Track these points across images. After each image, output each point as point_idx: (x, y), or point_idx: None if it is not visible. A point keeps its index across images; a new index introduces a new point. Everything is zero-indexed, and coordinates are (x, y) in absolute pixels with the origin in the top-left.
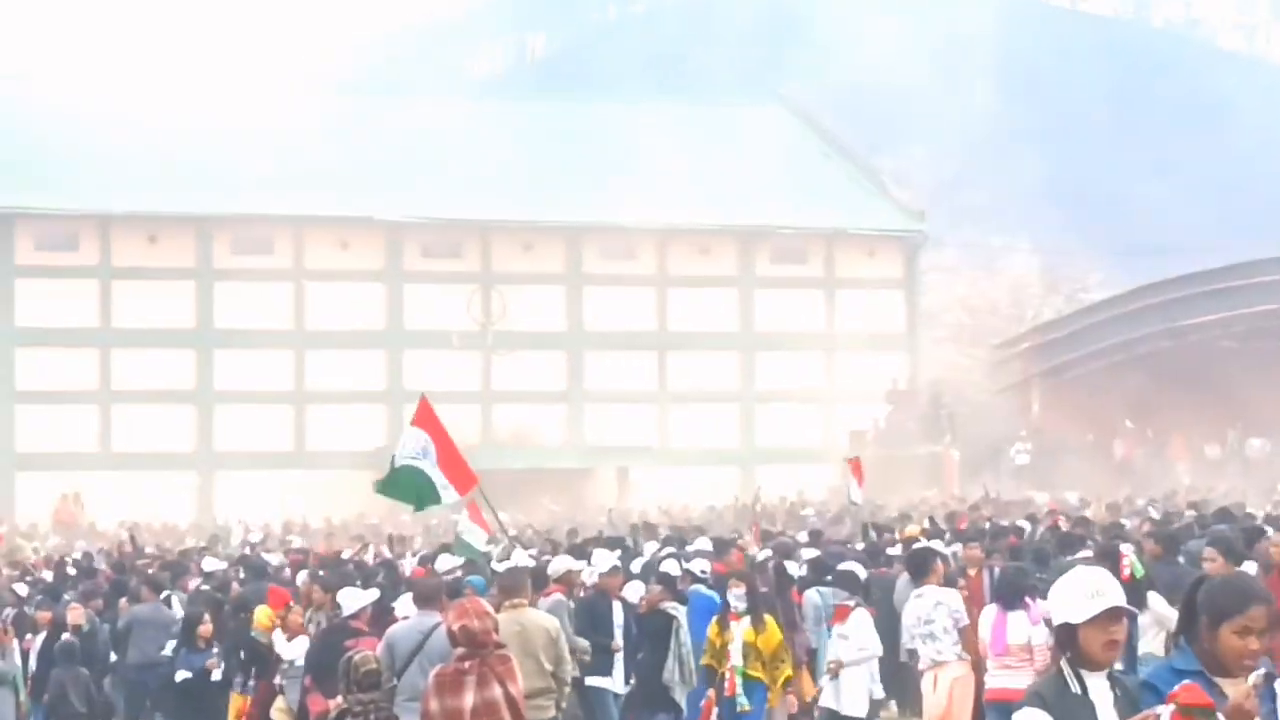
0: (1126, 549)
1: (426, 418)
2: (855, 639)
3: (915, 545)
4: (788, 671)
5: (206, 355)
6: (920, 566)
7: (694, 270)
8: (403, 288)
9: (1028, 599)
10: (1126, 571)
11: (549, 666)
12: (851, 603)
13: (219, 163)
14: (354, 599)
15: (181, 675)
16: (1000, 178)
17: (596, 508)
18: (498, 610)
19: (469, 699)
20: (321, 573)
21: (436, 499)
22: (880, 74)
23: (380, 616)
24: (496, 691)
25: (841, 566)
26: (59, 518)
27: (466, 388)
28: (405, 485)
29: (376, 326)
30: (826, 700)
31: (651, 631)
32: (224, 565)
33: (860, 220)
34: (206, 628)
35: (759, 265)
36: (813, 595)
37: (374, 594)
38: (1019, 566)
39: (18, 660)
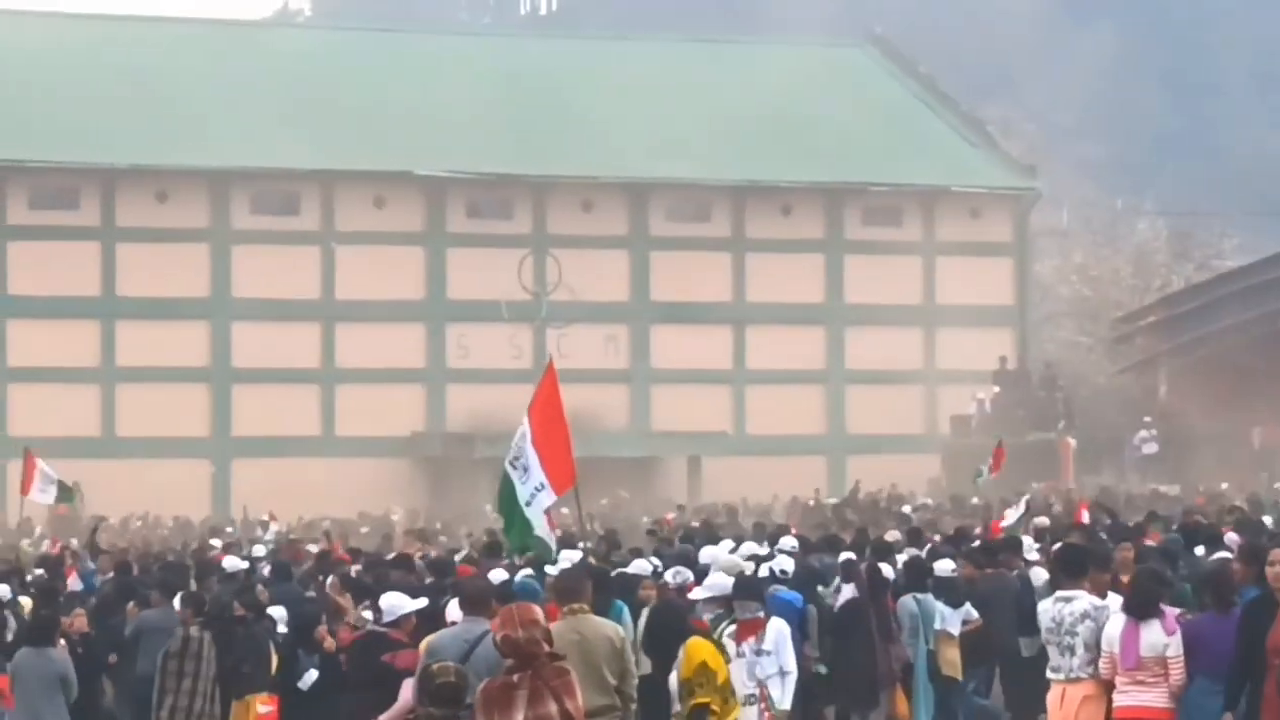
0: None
1: (546, 394)
2: (776, 653)
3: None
4: (699, 699)
5: (222, 328)
6: (1072, 566)
7: (774, 233)
8: (445, 252)
9: (1163, 606)
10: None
11: (613, 680)
12: (762, 614)
13: (236, 111)
14: (397, 605)
15: None
16: (1123, 129)
17: (664, 501)
18: (556, 616)
19: (519, 716)
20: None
21: (531, 537)
22: (986, 10)
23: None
24: (551, 708)
25: (939, 569)
26: (57, 511)
27: (516, 365)
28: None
29: (415, 296)
30: None
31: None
32: (245, 565)
33: (963, 177)
34: None
35: (848, 227)
36: (909, 602)
37: (421, 601)
38: (1153, 570)
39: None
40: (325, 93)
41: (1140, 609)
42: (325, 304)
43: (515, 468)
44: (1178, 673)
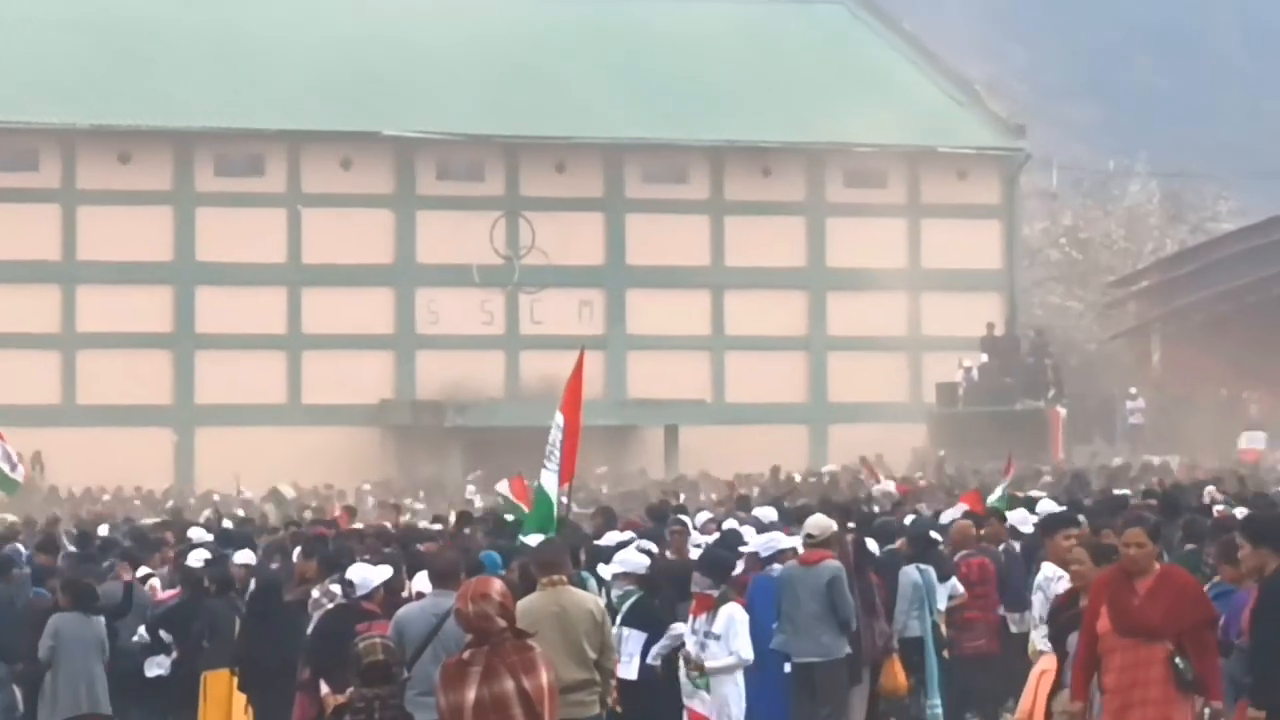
0: None
1: (575, 387)
2: (725, 640)
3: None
4: None
5: (186, 293)
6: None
7: (754, 195)
8: (415, 215)
9: None
10: None
11: (593, 654)
12: (715, 592)
13: (201, 70)
14: (368, 577)
15: (154, 670)
16: (1115, 88)
17: (639, 471)
18: (534, 588)
19: (470, 694)
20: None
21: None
22: None
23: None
24: (508, 685)
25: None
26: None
27: (489, 331)
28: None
29: (384, 260)
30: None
31: None
32: (210, 537)
33: (950, 137)
34: None
35: (830, 189)
36: (911, 573)
37: (386, 571)
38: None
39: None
40: (291, 52)
41: None
42: (291, 268)
43: (548, 467)
44: None
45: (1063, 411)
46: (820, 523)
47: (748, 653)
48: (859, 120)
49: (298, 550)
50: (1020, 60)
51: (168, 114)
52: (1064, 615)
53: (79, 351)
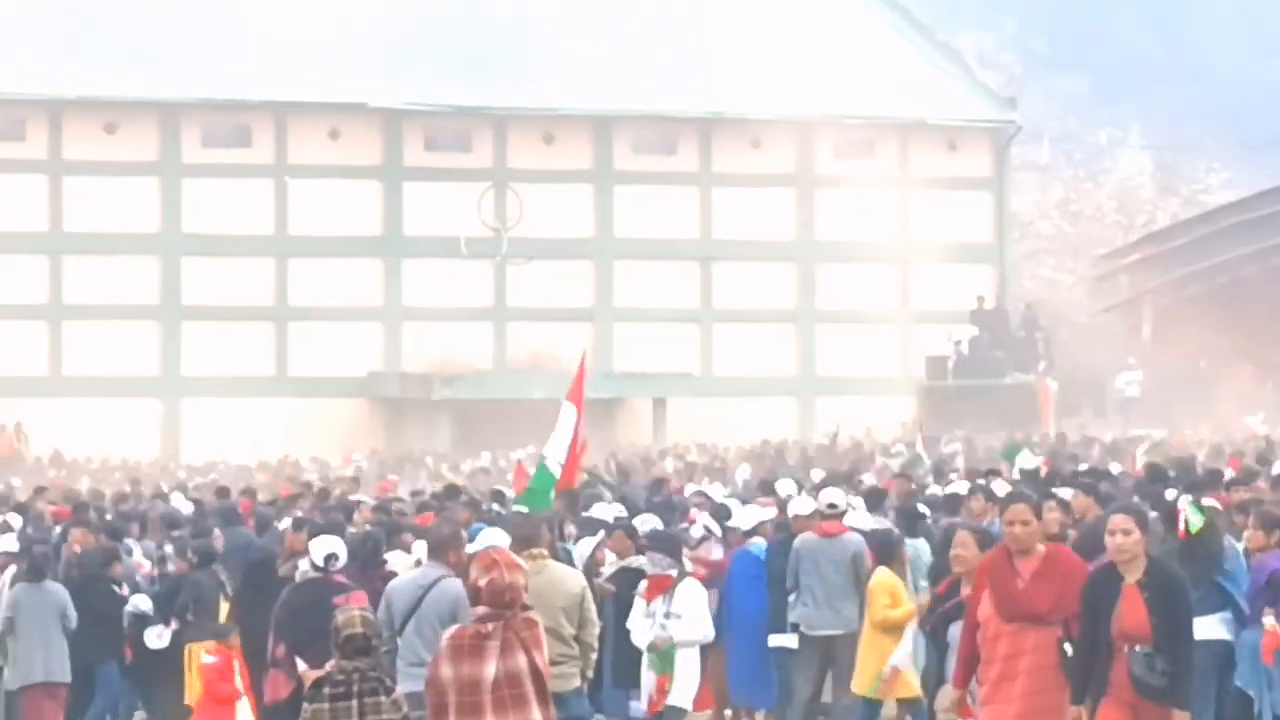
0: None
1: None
2: (688, 617)
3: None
4: None
5: (173, 264)
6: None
7: (743, 167)
8: (402, 186)
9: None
10: (1181, 526)
11: (571, 629)
12: (674, 572)
13: (187, 39)
14: (333, 548)
15: (155, 642)
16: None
17: (628, 444)
18: None
19: (490, 667)
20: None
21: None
22: None
23: (367, 569)
24: (521, 660)
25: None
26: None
27: (476, 303)
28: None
29: (371, 231)
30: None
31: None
32: (191, 508)
33: (940, 109)
34: None
35: (819, 161)
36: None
37: (335, 542)
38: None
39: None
40: (277, 21)
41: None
42: (278, 239)
43: (553, 447)
44: None
45: (1053, 385)
46: (839, 494)
47: (709, 630)
48: (848, 92)
49: (287, 523)
50: (1010, 31)
51: (154, 84)
52: (944, 605)
53: (65, 322)
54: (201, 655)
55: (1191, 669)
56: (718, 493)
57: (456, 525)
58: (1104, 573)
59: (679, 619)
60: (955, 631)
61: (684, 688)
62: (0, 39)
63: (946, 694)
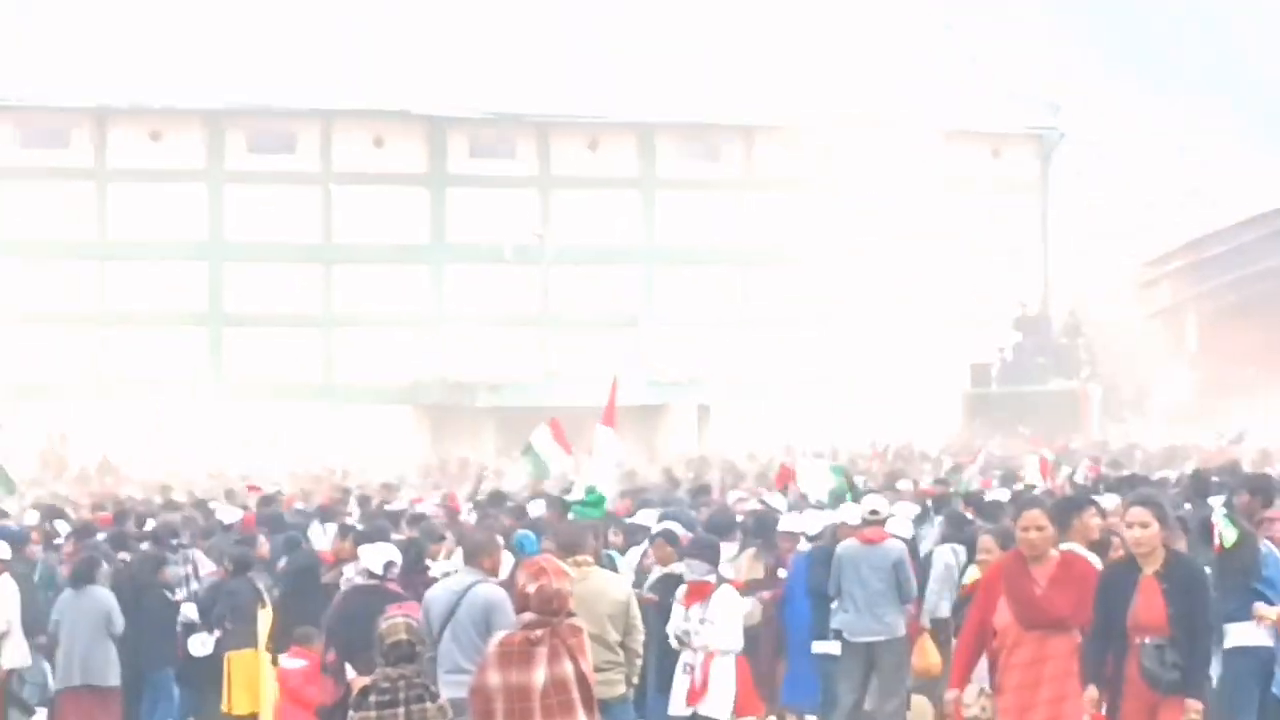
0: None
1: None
2: (721, 625)
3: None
4: None
5: (218, 271)
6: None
7: (785, 172)
8: (446, 192)
9: None
10: (1216, 540)
11: (617, 636)
12: (712, 578)
13: (232, 48)
14: (376, 556)
15: (199, 649)
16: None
17: (672, 450)
18: None
19: (539, 674)
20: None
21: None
22: None
23: (411, 576)
24: (567, 668)
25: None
26: (46, 459)
27: (520, 309)
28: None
29: (416, 238)
30: (678, 707)
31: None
32: (239, 515)
33: (984, 114)
34: None
35: (861, 167)
36: (945, 553)
37: (392, 549)
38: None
39: None
40: (322, 29)
41: None
42: (324, 246)
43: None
44: None
45: (1096, 391)
46: (882, 501)
47: (738, 640)
48: (893, 98)
49: (333, 530)
50: (1054, 36)
51: (199, 92)
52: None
53: (111, 328)
54: (282, 660)
55: (1207, 661)
56: (779, 502)
57: (491, 531)
58: (1121, 564)
59: (713, 625)
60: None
61: (718, 697)
62: (47, 48)
63: (968, 693)
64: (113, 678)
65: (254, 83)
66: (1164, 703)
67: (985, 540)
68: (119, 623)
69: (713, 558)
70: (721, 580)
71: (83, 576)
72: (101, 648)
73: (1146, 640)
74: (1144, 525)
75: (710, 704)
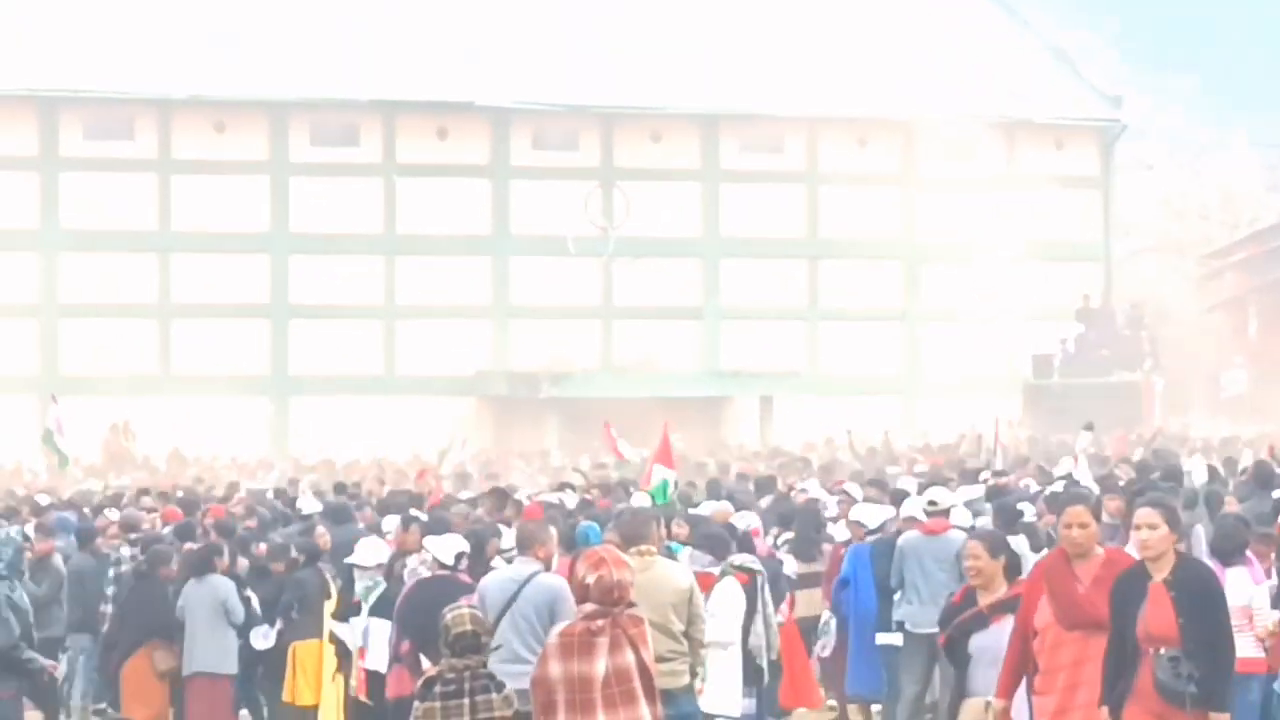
0: None
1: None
2: (723, 617)
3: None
4: None
5: (281, 262)
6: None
7: (849, 166)
8: (509, 185)
9: (1249, 554)
10: None
11: (680, 625)
12: (715, 570)
13: (295, 39)
14: (454, 547)
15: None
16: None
17: (735, 443)
18: None
19: (600, 665)
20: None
21: None
22: None
23: (473, 566)
24: (629, 658)
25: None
26: (108, 449)
27: (584, 302)
28: None
29: (479, 230)
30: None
31: None
32: (319, 507)
33: (1046, 108)
34: None
35: (925, 160)
36: None
37: (461, 540)
38: (1238, 516)
39: None
40: (385, 20)
41: (1225, 554)
42: (387, 238)
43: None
44: (1260, 620)
45: (1159, 383)
46: (943, 492)
47: (735, 634)
48: (954, 91)
49: (395, 521)
50: (1115, 28)
51: (263, 84)
52: (960, 616)
53: (174, 320)
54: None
55: (1230, 672)
56: (856, 492)
57: (544, 520)
58: (1133, 571)
59: (714, 618)
60: (977, 642)
61: (721, 694)
62: (110, 39)
63: (972, 709)
64: (229, 665)
65: (318, 75)
66: (1177, 717)
67: (973, 544)
68: (236, 610)
69: (718, 549)
70: (725, 572)
71: (203, 566)
72: (219, 636)
73: (1162, 651)
74: (1152, 527)
75: (711, 699)
